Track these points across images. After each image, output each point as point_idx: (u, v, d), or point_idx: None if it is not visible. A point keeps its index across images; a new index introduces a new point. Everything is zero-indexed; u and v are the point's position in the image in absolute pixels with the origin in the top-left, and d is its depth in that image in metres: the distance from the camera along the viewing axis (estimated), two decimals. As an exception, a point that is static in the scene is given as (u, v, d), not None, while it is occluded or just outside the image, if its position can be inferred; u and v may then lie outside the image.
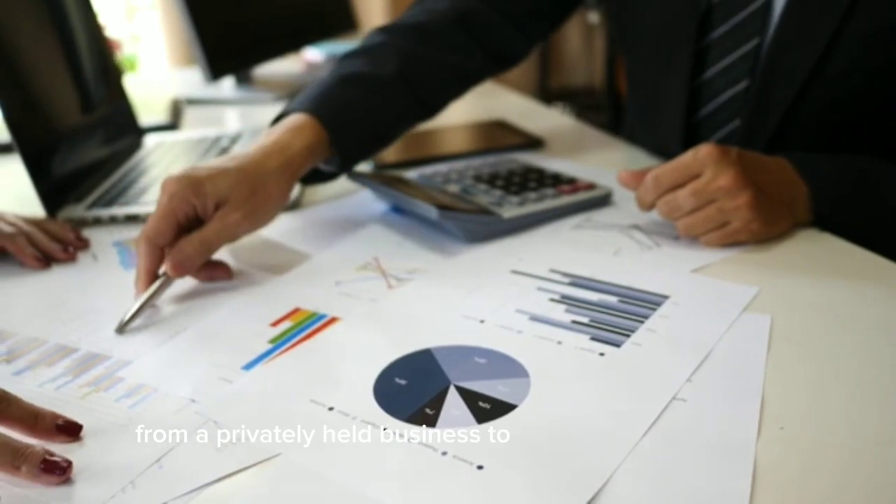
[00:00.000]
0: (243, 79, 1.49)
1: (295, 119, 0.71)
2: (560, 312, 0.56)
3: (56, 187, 0.83)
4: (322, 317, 0.58)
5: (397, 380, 0.49)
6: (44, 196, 0.80)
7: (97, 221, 0.81)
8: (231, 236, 0.64)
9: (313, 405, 0.47)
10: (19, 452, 0.42)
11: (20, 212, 0.76)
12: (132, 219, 0.81)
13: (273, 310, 0.60)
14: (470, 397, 0.47)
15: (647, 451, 0.42)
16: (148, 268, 0.61)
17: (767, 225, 0.64)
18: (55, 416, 0.45)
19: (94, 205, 0.84)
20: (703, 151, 0.63)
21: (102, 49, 1.08)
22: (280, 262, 0.68)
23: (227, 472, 0.42)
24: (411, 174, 0.85)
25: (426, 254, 0.69)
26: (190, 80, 1.63)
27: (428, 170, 0.86)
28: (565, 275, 0.62)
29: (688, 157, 0.64)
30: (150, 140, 1.12)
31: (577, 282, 0.61)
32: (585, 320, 0.55)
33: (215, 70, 1.24)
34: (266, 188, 0.65)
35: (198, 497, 0.40)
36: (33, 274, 0.69)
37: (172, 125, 1.24)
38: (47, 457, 0.42)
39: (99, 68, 1.05)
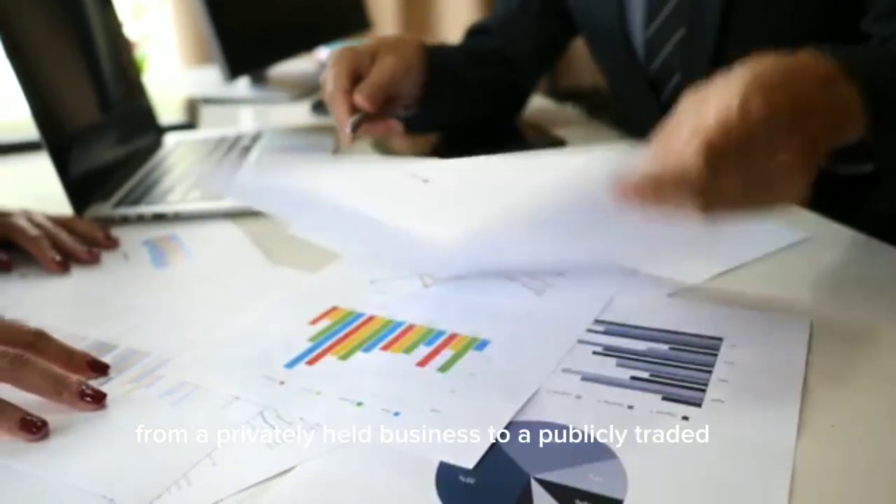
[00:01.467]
0: (258, 78, 1.49)
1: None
2: (612, 368, 0.50)
3: (82, 186, 0.83)
4: (360, 315, 0.58)
5: (462, 478, 0.41)
6: (71, 195, 0.80)
7: (125, 220, 0.81)
8: (392, 74, 0.78)
9: (358, 408, 0.47)
10: (61, 380, 0.48)
11: (46, 212, 0.76)
12: (159, 217, 0.81)
13: (311, 308, 0.60)
14: (562, 496, 0.39)
15: (685, 451, 0.42)
16: (345, 105, 0.76)
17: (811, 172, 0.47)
18: (85, 355, 0.52)
19: (120, 203, 0.84)
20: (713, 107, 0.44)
21: (122, 47, 1.08)
22: (314, 260, 0.68)
23: (282, 469, 0.42)
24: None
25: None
26: (202, 79, 1.64)
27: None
28: (596, 321, 0.56)
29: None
30: (169, 139, 1.12)
31: (612, 329, 0.55)
32: (645, 375, 0.49)
33: (233, 69, 1.24)
34: (404, 41, 0.83)
35: (247, 492, 0.40)
36: (66, 273, 0.69)
37: (190, 124, 1.24)
38: (84, 388, 0.48)
39: (118, 66, 1.05)
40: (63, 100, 0.86)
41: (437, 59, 0.86)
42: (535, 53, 1.05)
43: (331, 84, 0.78)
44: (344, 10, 1.71)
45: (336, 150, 0.79)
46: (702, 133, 0.42)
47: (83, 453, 0.44)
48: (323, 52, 1.71)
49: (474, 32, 1.08)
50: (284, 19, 1.46)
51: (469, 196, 0.61)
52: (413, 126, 0.86)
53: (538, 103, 1.31)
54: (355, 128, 0.75)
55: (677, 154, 0.42)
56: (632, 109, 0.99)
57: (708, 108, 0.43)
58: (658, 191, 0.42)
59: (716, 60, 0.81)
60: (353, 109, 0.76)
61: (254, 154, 1.01)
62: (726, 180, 0.42)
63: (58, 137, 0.81)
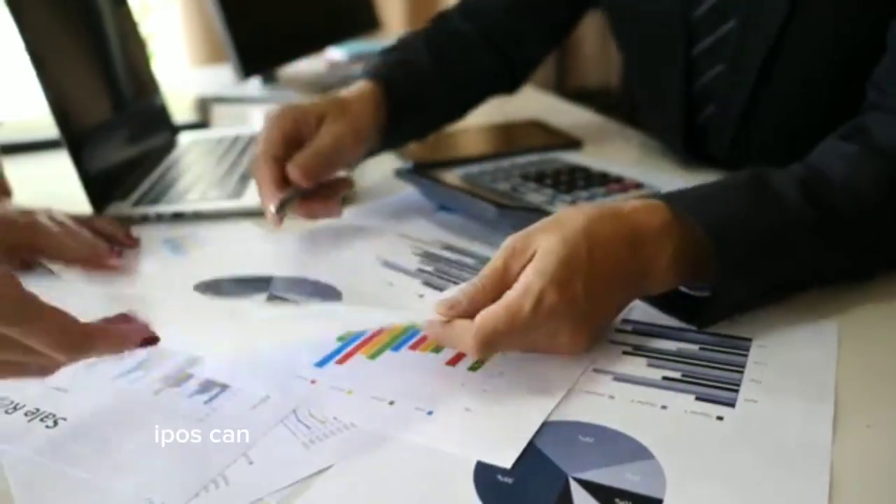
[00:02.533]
0: (268, 78, 1.49)
1: (358, 84, 0.78)
2: (643, 367, 0.50)
3: (100, 184, 0.83)
4: (386, 314, 0.59)
5: (500, 477, 0.41)
6: (90, 193, 0.80)
7: (144, 219, 0.81)
8: (339, 144, 0.69)
9: (391, 407, 0.47)
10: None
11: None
12: (178, 216, 0.81)
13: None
14: (602, 495, 0.39)
15: (721, 451, 0.42)
16: (273, 175, 0.65)
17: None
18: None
19: (138, 202, 0.84)
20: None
21: (136, 45, 1.08)
22: (338, 260, 0.68)
23: (319, 468, 0.42)
24: (456, 173, 0.85)
25: (476, 252, 0.69)
26: (210, 78, 1.63)
27: (474, 168, 0.86)
28: (624, 320, 0.56)
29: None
30: (183, 138, 1.12)
31: (640, 328, 0.55)
32: (677, 375, 0.49)
33: (247, 68, 1.24)
34: (353, 107, 0.73)
35: (284, 492, 0.40)
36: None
37: (203, 123, 1.24)
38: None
39: (133, 64, 1.05)
40: (80, 97, 0.86)
41: (398, 96, 0.78)
42: (543, 32, 0.96)
43: (260, 145, 0.67)
44: (354, 10, 1.71)
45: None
46: (488, 324, 0.46)
47: (120, 453, 0.44)
48: (333, 52, 1.71)
49: (464, 14, 0.94)
50: (296, 19, 1.46)
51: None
52: (385, 148, 0.82)
53: (551, 103, 1.31)
54: (281, 208, 0.63)
55: (462, 326, 0.47)
56: (655, 109, 0.94)
57: (515, 278, 0.48)
58: (437, 340, 0.50)
59: (752, 102, 0.77)
60: (283, 181, 0.66)
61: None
62: (503, 348, 0.49)
63: (76, 135, 0.80)
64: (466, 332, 0.46)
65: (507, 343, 0.47)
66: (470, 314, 0.48)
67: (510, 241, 0.51)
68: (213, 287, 0.64)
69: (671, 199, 0.53)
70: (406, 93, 0.79)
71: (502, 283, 0.49)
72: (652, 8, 0.83)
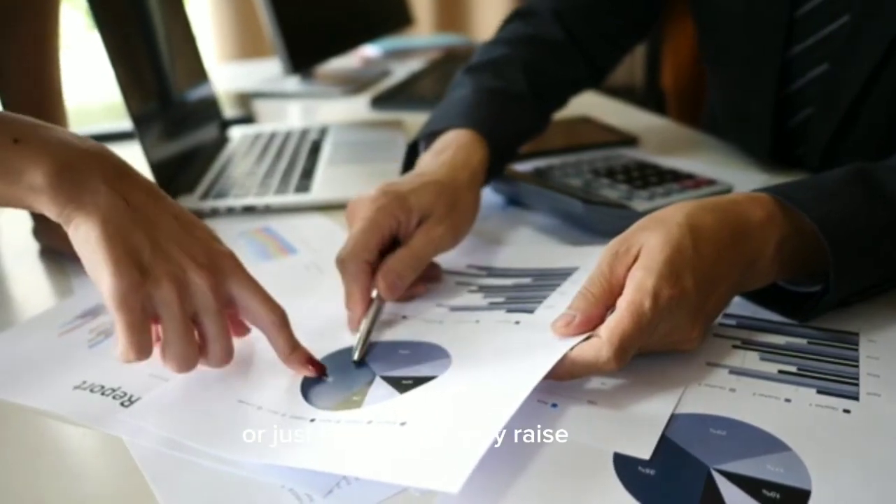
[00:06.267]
0: (306, 74, 1.49)
1: (460, 135, 0.70)
2: (756, 361, 0.50)
3: (166, 177, 0.83)
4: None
5: (641, 469, 0.41)
6: (163, 187, 0.80)
7: (214, 212, 0.81)
8: (436, 250, 0.61)
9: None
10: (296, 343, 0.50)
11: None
12: (249, 210, 0.81)
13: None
14: (748, 487, 0.40)
15: (856, 443, 0.42)
16: (362, 288, 0.56)
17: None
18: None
19: (205, 196, 0.84)
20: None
21: (190, 38, 1.08)
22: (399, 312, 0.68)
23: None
24: (523, 169, 0.85)
25: (517, 269, 0.68)
26: (242, 74, 1.64)
27: (541, 164, 0.86)
28: (725, 314, 0.55)
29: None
30: (234, 132, 1.12)
31: (744, 322, 0.55)
32: (793, 369, 0.49)
33: (295, 64, 1.25)
34: (464, 201, 0.64)
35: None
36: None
37: (249, 118, 1.24)
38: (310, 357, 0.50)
39: (188, 57, 1.05)
40: (143, 88, 0.86)
41: (502, 148, 0.73)
42: (628, 32, 0.92)
43: (354, 244, 0.57)
44: (388, 7, 1.72)
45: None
46: (617, 332, 0.45)
47: (262, 445, 0.43)
48: (367, 49, 1.72)
49: (555, 14, 0.87)
50: (337, 16, 1.46)
51: None
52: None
53: (593, 100, 1.31)
54: (361, 357, 0.52)
55: (591, 347, 0.46)
56: (737, 112, 0.91)
57: (622, 281, 0.48)
58: (577, 376, 0.47)
59: (857, 102, 0.74)
60: (369, 285, 0.57)
61: (326, 148, 1.01)
62: (633, 352, 0.47)
63: (141, 125, 0.80)
64: (600, 351, 0.45)
65: (636, 346, 0.46)
66: (587, 326, 0.48)
67: (611, 245, 0.50)
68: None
69: (776, 192, 0.53)
70: (508, 144, 0.76)
71: (610, 288, 0.49)
72: (745, 8, 0.81)
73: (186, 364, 0.47)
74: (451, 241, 0.63)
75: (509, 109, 0.77)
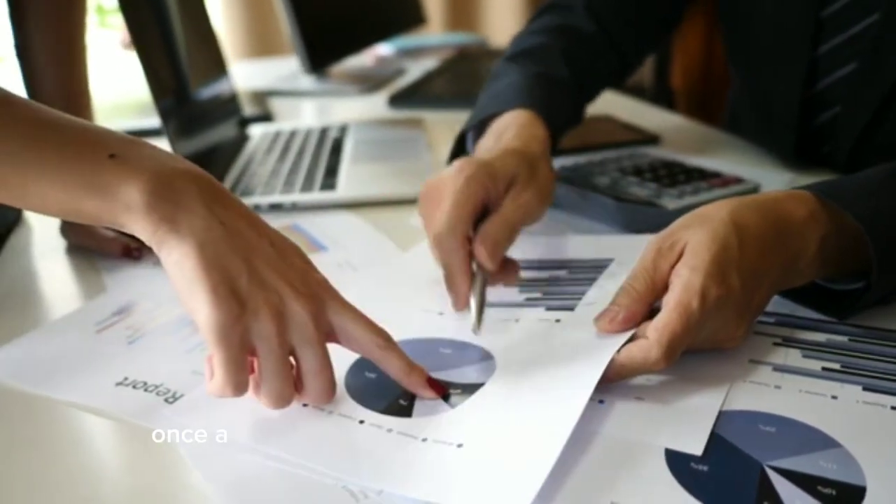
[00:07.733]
0: (321, 72, 1.49)
1: (518, 115, 0.70)
2: (799, 359, 0.50)
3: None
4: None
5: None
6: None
7: (241, 209, 0.81)
8: (525, 216, 0.60)
9: None
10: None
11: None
12: (276, 207, 0.81)
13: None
14: (803, 483, 0.40)
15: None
16: (463, 262, 0.55)
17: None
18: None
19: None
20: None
21: (210, 35, 1.08)
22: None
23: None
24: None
25: (551, 260, 0.68)
26: (258, 72, 1.64)
27: (567, 162, 0.86)
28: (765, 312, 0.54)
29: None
30: (254, 130, 1.12)
31: (782, 320, 0.55)
32: (836, 366, 0.49)
33: (314, 62, 1.25)
34: (542, 169, 0.63)
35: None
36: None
37: (267, 116, 1.24)
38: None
39: (207, 54, 1.05)
40: (169, 83, 0.86)
41: (554, 129, 0.72)
42: (657, 28, 0.93)
43: (445, 221, 0.55)
44: (401, 6, 1.72)
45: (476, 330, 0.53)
46: (666, 332, 0.45)
47: (318, 442, 0.44)
48: (381, 48, 1.72)
49: (588, 10, 0.87)
50: (353, 15, 1.47)
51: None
52: None
53: (611, 99, 1.31)
54: (480, 313, 0.53)
55: (639, 349, 0.46)
56: (761, 111, 0.91)
57: (666, 278, 0.49)
58: (626, 377, 0.47)
59: (888, 100, 0.74)
60: (469, 260, 0.56)
61: (348, 147, 1.01)
62: (681, 351, 0.47)
63: (176, 125, 0.80)
64: (649, 352, 0.45)
65: (684, 346, 0.46)
66: (631, 322, 0.48)
67: (654, 241, 0.50)
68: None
69: (818, 189, 0.53)
70: (558, 129, 0.75)
71: (653, 284, 0.49)
72: (773, 9, 0.81)
73: (282, 401, 0.44)
74: (537, 208, 0.61)
75: (556, 95, 0.77)
